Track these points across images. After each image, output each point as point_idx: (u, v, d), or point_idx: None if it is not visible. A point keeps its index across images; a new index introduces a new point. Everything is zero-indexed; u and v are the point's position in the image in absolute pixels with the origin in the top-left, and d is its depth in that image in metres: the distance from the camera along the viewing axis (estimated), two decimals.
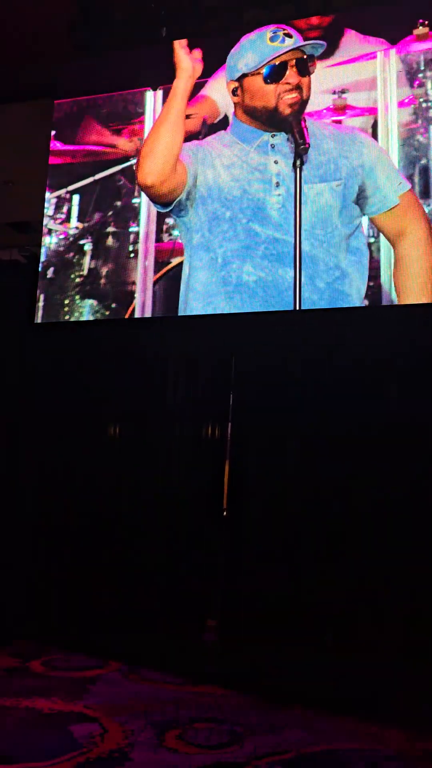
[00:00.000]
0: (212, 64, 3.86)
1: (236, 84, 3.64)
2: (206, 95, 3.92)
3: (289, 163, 3.59)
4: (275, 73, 3.57)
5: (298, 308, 3.52)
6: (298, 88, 3.56)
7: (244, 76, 3.60)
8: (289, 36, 3.57)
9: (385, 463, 3.67)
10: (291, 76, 3.56)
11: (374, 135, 3.61)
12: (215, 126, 3.87)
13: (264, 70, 3.57)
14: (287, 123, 3.56)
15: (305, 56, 3.58)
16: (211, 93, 3.92)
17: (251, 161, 3.67)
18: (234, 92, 3.67)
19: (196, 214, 3.71)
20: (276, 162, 3.63)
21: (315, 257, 3.55)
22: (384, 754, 2.34)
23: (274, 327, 3.86)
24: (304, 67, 3.57)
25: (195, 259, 3.73)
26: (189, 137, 3.87)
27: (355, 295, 3.56)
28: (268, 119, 3.60)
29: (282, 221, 3.59)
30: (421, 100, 3.54)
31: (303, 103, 3.59)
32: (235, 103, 3.68)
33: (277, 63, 3.55)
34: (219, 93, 3.88)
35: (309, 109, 3.63)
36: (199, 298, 3.74)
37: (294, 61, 3.55)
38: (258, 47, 3.59)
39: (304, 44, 3.57)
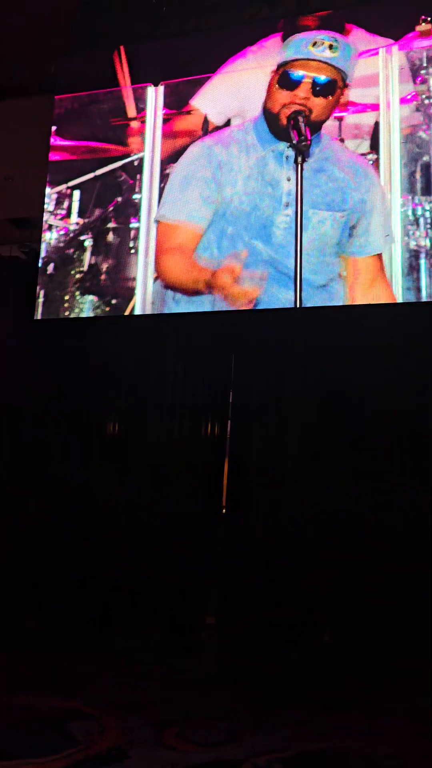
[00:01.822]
0: (215, 59, 3.87)
1: (273, 75, 3.61)
2: (197, 109, 3.88)
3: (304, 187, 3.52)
4: (286, 81, 3.53)
5: (298, 306, 3.51)
6: (304, 106, 3.48)
7: (277, 69, 3.59)
8: (333, 48, 3.49)
9: (385, 460, 3.67)
10: (303, 90, 3.50)
11: (376, 132, 3.59)
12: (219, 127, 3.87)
13: (281, 73, 3.55)
14: (285, 133, 3.50)
15: (333, 78, 3.49)
16: (201, 106, 3.87)
17: (266, 174, 3.61)
18: (271, 84, 3.62)
19: (214, 224, 3.66)
20: (288, 179, 3.57)
21: (309, 280, 3.52)
22: (383, 752, 2.33)
23: (274, 325, 3.85)
24: (323, 89, 3.50)
25: None
26: (191, 130, 3.88)
27: None
28: (271, 124, 3.57)
29: (285, 243, 3.54)
30: (424, 96, 3.52)
31: (310, 124, 3.51)
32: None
33: (294, 71, 3.52)
34: (212, 107, 3.85)
35: None
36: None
37: (311, 77, 3.49)
38: (297, 47, 3.56)
39: (338, 66, 3.48)
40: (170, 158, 3.94)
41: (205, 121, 3.87)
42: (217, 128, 3.84)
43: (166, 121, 3.98)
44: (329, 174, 3.53)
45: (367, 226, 3.50)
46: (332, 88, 3.52)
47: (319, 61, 3.51)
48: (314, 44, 3.51)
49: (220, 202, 3.62)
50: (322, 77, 3.51)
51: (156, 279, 3.80)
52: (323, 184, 3.53)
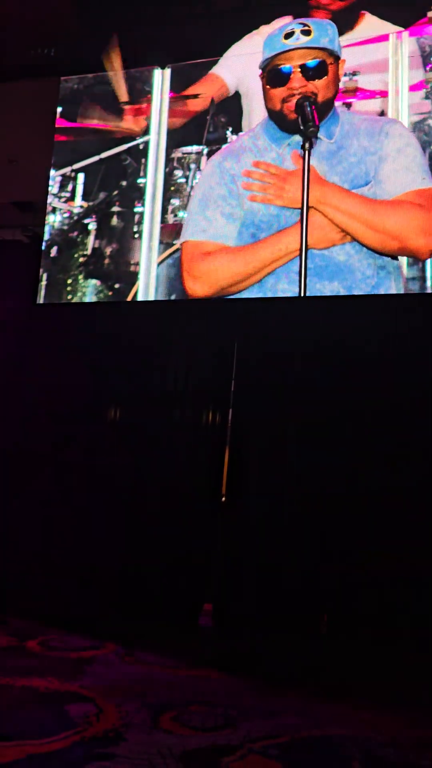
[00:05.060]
0: (223, 42, 3.82)
1: (261, 78, 3.58)
2: (215, 74, 3.85)
3: (322, 168, 3.46)
4: (276, 78, 3.48)
5: (302, 295, 3.49)
6: (306, 93, 3.42)
7: (262, 73, 3.55)
8: (307, 33, 3.43)
9: (384, 451, 3.66)
10: (295, 80, 3.44)
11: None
12: (224, 103, 3.82)
13: (267, 73, 3.51)
14: (296, 125, 3.44)
15: (320, 58, 3.44)
16: (220, 72, 3.85)
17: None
18: (263, 87, 3.59)
19: (240, 237, 3.61)
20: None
21: (351, 267, 3.44)
22: (378, 741, 2.34)
23: (276, 313, 3.83)
24: (315, 71, 3.44)
25: None
26: (197, 115, 3.84)
27: None
28: (278, 122, 3.53)
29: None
30: None
31: (319, 107, 3.44)
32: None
33: (280, 66, 3.46)
34: (229, 72, 3.82)
35: None
36: None
37: (299, 65, 3.43)
38: (272, 44, 3.51)
39: (320, 46, 3.42)
40: (178, 141, 3.91)
41: (212, 103, 3.83)
42: (224, 105, 3.81)
43: (177, 99, 3.94)
44: (347, 149, 3.47)
45: (378, 177, 3.42)
46: (323, 67, 3.46)
47: (299, 48, 3.45)
48: (286, 36, 3.46)
49: (243, 215, 3.57)
50: (310, 61, 3.47)
51: (191, 297, 3.71)
52: (344, 160, 3.47)
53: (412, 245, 3.33)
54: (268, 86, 3.52)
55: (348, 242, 3.42)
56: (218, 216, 3.61)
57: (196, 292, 3.66)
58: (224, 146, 3.76)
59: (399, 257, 3.41)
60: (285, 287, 3.51)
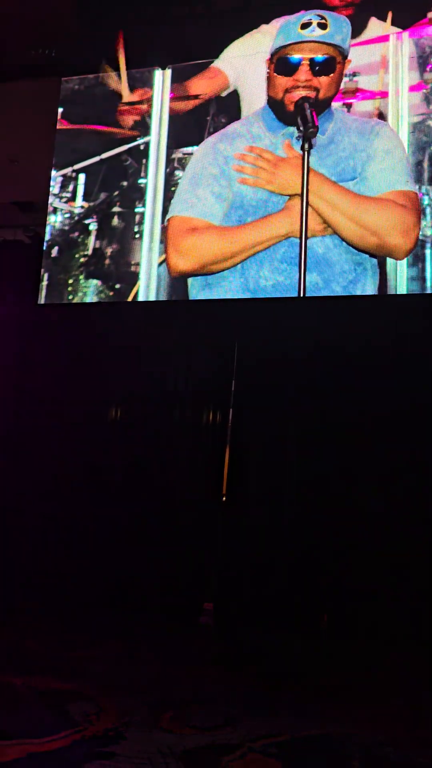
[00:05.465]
0: (223, 43, 3.82)
1: (269, 64, 3.59)
2: (217, 68, 3.86)
3: (312, 159, 3.46)
4: (284, 66, 3.49)
5: (302, 295, 3.49)
6: (309, 87, 3.44)
7: (271, 58, 3.56)
8: (324, 27, 3.43)
9: (383, 450, 3.67)
10: (302, 73, 3.45)
11: (383, 120, 3.55)
12: (224, 104, 3.83)
13: (276, 60, 3.51)
14: (293, 118, 3.47)
15: (330, 55, 3.44)
16: (221, 66, 3.85)
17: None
18: (269, 72, 3.60)
19: (227, 218, 3.61)
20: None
21: (330, 260, 3.46)
22: (378, 740, 2.35)
23: (277, 313, 3.84)
24: (322, 67, 3.45)
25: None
26: (197, 116, 3.85)
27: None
28: (277, 111, 3.55)
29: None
30: None
31: (318, 103, 3.46)
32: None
33: (290, 55, 3.48)
34: (230, 67, 3.83)
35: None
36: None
37: (308, 59, 3.45)
38: (287, 31, 3.51)
39: (333, 43, 3.42)
40: (178, 141, 3.91)
41: (212, 102, 3.83)
42: (224, 101, 3.83)
43: (178, 99, 3.94)
44: (338, 144, 3.50)
45: (364, 174, 3.45)
46: (332, 64, 3.47)
47: (312, 41, 3.46)
48: (303, 26, 3.46)
49: (232, 197, 3.58)
50: (319, 56, 3.47)
51: (173, 272, 3.71)
52: (334, 154, 3.50)
53: (390, 243, 3.35)
54: (275, 73, 3.53)
55: (328, 235, 3.44)
56: (208, 195, 3.64)
57: (179, 266, 3.67)
58: (220, 130, 3.78)
59: (377, 256, 3.43)
60: (267, 275, 3.53)
